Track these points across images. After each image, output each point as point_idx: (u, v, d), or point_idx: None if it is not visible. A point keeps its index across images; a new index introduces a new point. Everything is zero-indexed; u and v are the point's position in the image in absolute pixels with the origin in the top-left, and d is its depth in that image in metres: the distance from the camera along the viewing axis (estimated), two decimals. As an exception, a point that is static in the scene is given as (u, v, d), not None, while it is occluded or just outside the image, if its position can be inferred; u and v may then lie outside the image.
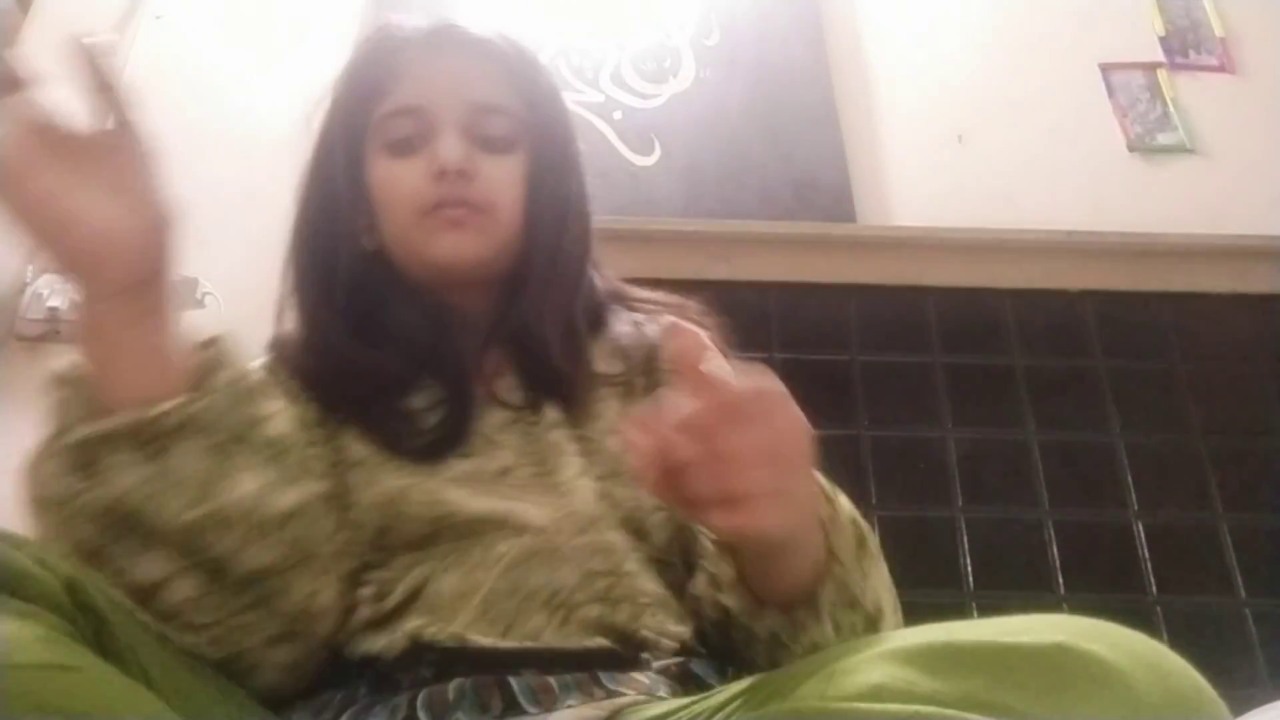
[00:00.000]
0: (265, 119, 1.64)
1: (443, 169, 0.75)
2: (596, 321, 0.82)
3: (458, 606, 0.66)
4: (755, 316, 1.61)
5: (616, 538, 0.69)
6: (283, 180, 0.84)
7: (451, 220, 0.76)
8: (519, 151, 0.80)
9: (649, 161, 1.74)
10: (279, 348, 0.80)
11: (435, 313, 0.80)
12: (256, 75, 1.73)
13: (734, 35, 1.89)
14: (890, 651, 0.43)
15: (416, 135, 0.78)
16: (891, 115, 1.84)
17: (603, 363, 0.79)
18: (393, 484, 0.71)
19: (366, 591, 0.68)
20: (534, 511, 0.69)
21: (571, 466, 0.73)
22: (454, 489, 0.71)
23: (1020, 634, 0.41)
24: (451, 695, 0.60)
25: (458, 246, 0.77)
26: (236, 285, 1.46)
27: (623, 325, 0.83)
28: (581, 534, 0.69)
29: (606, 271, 0.88)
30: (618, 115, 1.78)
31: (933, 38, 1.93)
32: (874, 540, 0.64)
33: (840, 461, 1.51)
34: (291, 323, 0.80)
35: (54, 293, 1.51)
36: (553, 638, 0.64)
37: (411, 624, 0.66)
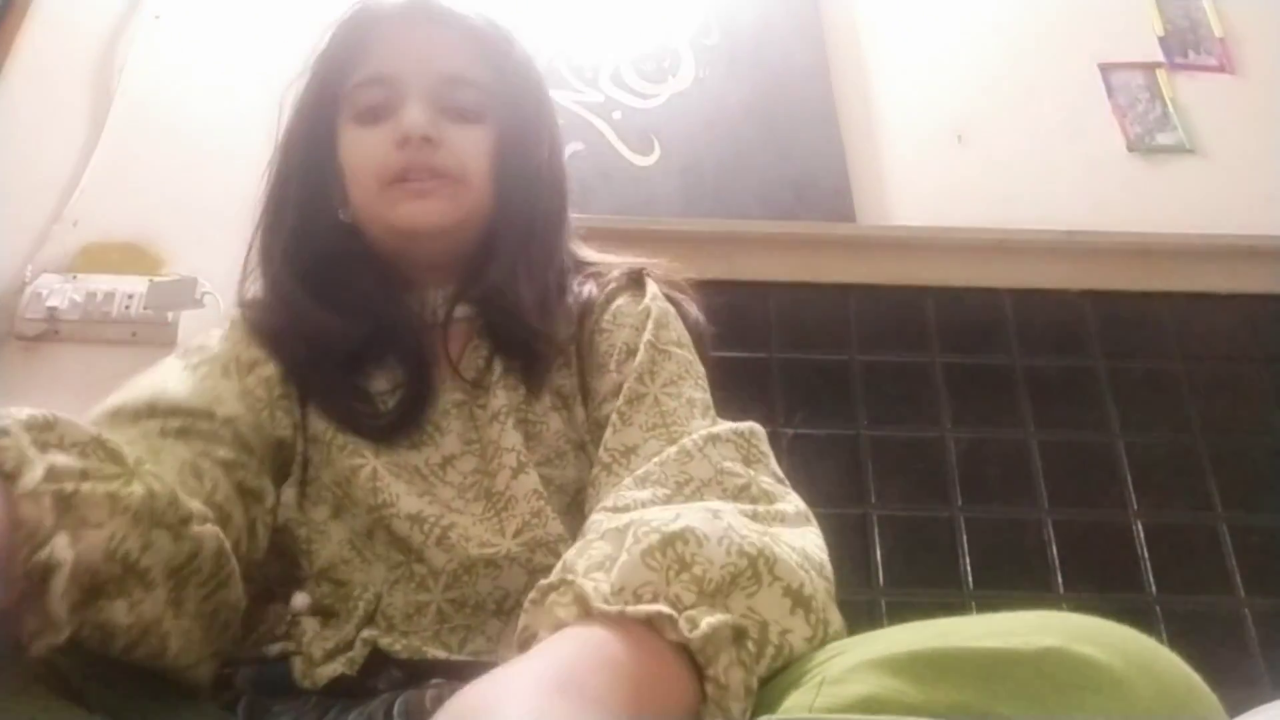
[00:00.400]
0: (265, 118, 1.64)
1: (406, 135, 0.76)
2: (563, 291, 0.82)
3: (413, 623, 0.67)
4: (755, 316, 1.61)
5: (560, 528, 0.69)
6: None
7: (417, 191, 0.76)
8: (488, 122, 0.80)
9: (648, 161, 1.74)
10: (246, 308, 0.80)
11: (402, 288, 0.80)
12: (256, 75, 1.73)
13: (734, 35, 1.89)
14: (879, 660, 0.41)
15: (385, 104, 0.78)
16: (891, 115, 1.84)
17: (561, 331, 0.79)
18: (345, 465, 0.72)
19: (300, 601, 0.69)
20: (473, 528, 0.69)
21: (510, 464, 0.72)
22: (397, 481, 0.71)
23: (1011, 636, 0.40)
24: (429, 703, 0.60)
25: (421, 213, 0.76)
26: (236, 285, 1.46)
27: (573, 290, 0.83)
28: (521, 534, 0.69)
29: (576, 244, 0.88)
30: (617, 115, 1.78)
31: (932, 38, 1.93)
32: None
33: (840, 461, 1.52)
34: (255, 288, 0.81)
35: (53, 293, 1.51)
36: (508, 644, 0.64)
37: (369, 634, 0.66)
